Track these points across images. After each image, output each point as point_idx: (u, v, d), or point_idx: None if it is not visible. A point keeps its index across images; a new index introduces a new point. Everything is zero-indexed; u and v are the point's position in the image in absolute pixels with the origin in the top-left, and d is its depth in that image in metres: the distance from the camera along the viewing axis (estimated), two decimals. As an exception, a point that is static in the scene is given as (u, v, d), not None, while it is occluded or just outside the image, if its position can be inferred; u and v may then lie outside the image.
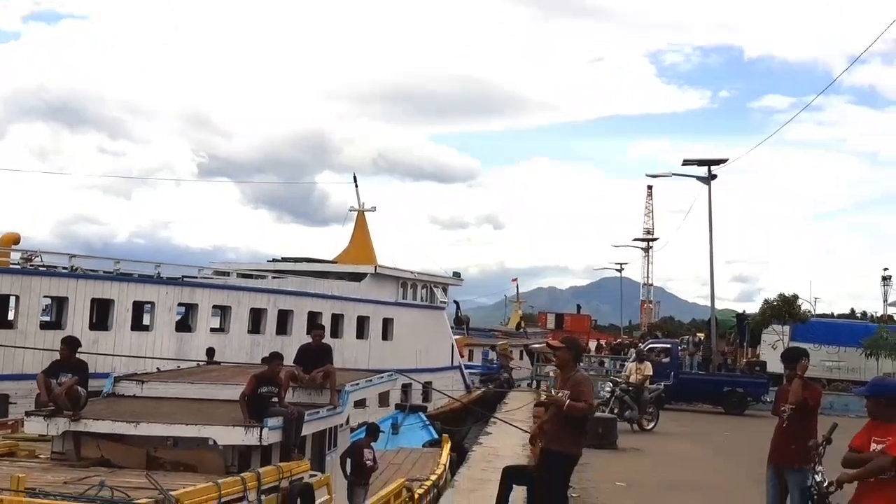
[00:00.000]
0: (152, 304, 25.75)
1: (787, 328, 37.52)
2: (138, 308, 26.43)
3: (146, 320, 26.56)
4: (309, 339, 13.09)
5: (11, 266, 23.22)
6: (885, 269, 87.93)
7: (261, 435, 9.48)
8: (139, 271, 26.66)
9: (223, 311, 28.22)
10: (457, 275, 41.07)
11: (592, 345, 73.14)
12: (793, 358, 9.21)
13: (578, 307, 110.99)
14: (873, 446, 6.67)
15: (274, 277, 30.91)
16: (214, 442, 9.59)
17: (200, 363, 18.79)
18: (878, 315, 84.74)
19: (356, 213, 39.22)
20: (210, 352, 22.34)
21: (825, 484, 7.52)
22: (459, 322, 56.26)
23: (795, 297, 38.20)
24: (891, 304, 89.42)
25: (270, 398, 10.32)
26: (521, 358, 53.43)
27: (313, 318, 29.61)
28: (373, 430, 13.82)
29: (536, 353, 45.76)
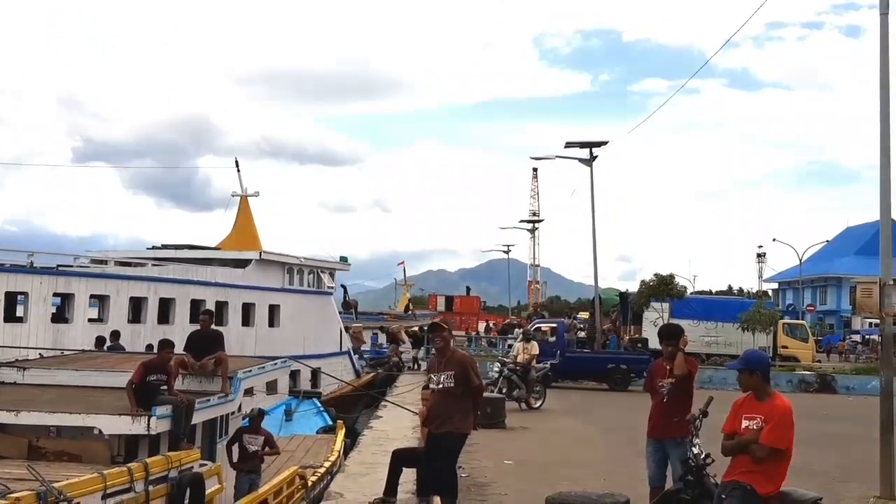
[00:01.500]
0: (26, 294, 24.92)
1: (666, 305, 39.02)
2: (11, 299, 25.44)
3: (20, 312, 25.66)
4: (193, 328, 12.99)
5: None
6: (760, 247, 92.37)
7: (148, 424, 9.41)
8: (11, 260, 25.70)
9: (101, 300, 27.50)
10: (344, 259, 40.97)
11: (482, 326, 74.48)
12: (673, 334, 9.43)
13: (468, 289, 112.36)
14: (745, 423, 6.81)
15: (154, 265, 30.25)
16: (100, 431, 9.47)
17: (93, 350, 18.41)
18: (754, 291, 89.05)
19: (239, 198, 38.66)
20: (115, 334, 21.91)
21: (702, 456, 7.83)
22: (347, 306, 56.17)
23: (672, 276, 39.78)
24: (765, 281, 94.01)
25: (159, 386, 10.28)
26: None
27: (196, 306, 29.11)
28: (254, 417, 13.79)
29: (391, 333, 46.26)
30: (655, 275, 38.89)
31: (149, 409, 9.64)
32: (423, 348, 39.60)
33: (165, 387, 10.41)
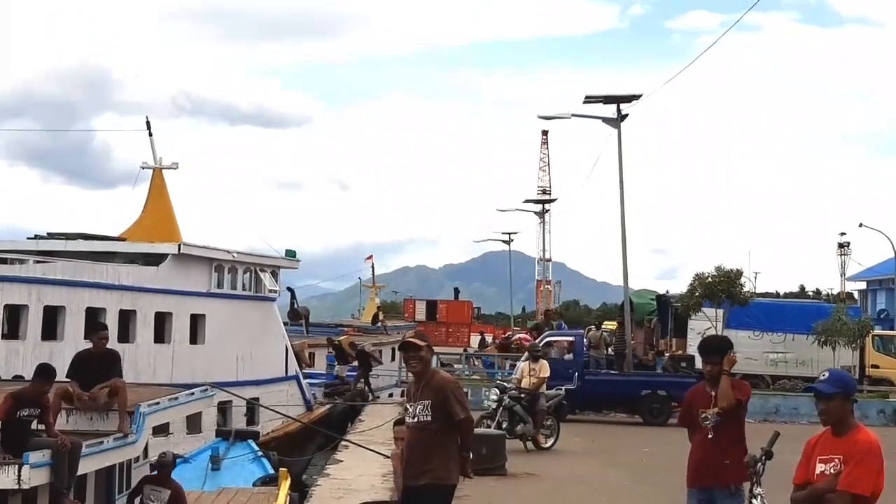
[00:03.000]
0: None
1: (720, 312, 39.03)
2: None
3: None
4: (88, 345, 12.89)
5: None
6: (842, 235, 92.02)
7: (19, 475, 9.29)
8: None
9: (-35, 309, 27.36)
10: (291, 253, 40.82)
11: (475, 339, 74.63)
12: (716, 349, 9.47)
13: (456, 291, 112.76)
14: (820, 468, 6.80)
15: (38, 262, 30.07)
16: None
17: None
18: (835, 293, 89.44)
19: (151, 171, 38.46)
20: None
21: None
22: (296, 316, 56.02)
23: (739, 272, 39.45)
24: (849, 279, 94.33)
25: (30, 423, 10.15)
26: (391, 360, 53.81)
27: (94, 315, 28.94)
28: (163, 465, 13.66)
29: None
30: (718, 269, 38.47)
31: (20, 455, 9.50)
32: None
33: (42, 425, 10.27)
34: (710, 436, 9.02)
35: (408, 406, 9.62)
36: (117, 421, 11.73)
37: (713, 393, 9.13)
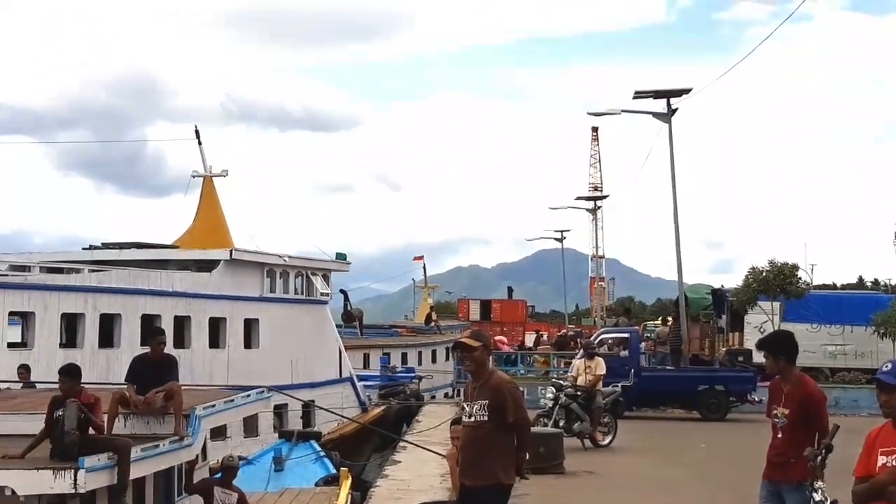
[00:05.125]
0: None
1: (776, 305, 38.61)
2: None
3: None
4: (145, 351, 12.99)
5: None
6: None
7: (75, 479, 9.37)
8: None
9: (25, 318, 27.64)
10: (341, 256, 40.95)
11: (530, 338, 74.39)
12: (768, 344, 9.55)
13: (510, 290, 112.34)
14: (882, 460, 6.75)
15: (93, 271, 30.38)
16: (13, 492, 9.46)
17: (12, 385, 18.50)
18: (893, 283, 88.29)
19: (202, 178, 38.76)
20: (24, 369, 22.17)
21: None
22: (350, 318, 56.19)
23: (795, 266, 38.92)
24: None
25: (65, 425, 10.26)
26: (433, 361, 53.83)
27: (149, 322, 29.19)
28: (230, 468, 13.86)
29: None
30: (771, 263, 38.02)
31: (66, 458, 9.59)
32: None
33: (92, 429, 10.34)
34: (779, 434, 9.21)
35: (465, 405, 9.62)
36: (173, 424, 11.79)
37: (785, 390, 9.25)
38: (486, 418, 9.14)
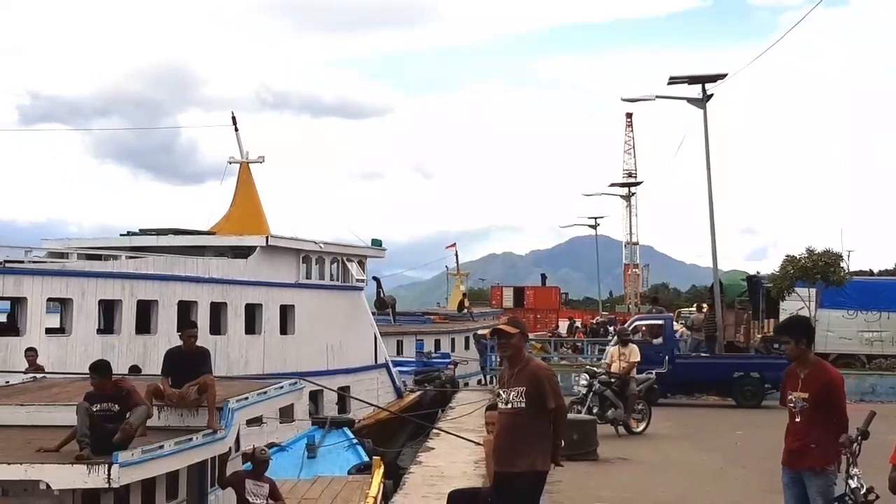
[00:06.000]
0: (-36, 300, 25.33)
1: (813, 292, 38.21)
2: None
3: (-44, 322, 26.05)
4: (181, 339, 12.98)
5: None
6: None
7: (108, 474, 9.34)
8: (-56, 255, 26.08)
9: (63, 304, 27.76)
10: (377, 243, 40.93)
11: (563, 325, 74.29)
12: (786, 328, 9.54)
13: (543, 277, 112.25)
14: None
15: (130, 257, 30.47)
16: (47, 486, 9.44)
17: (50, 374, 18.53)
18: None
19: (238, 165, 38.79)
20: (31, 352, 22.03)
21: (863, 491, 7.68)
22: (383, 305, 56.29)
23: (839, 255, 38.20)
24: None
25: (108, 418, 10.23)
26: (466, 348, 53.77)
27: (186, 309, 29.27)
28: (261, 461, 13.95)
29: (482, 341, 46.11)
30: (808, 250, 37.51)
31: (102, 452, 9.55)
32: None
33: (125, 418, 10.31)
34: (797, 419, 9.17)
35: (501, 392, 9.67)
36: (207, 417, 11.80)
37: (802, 375, 9.21)
38: (523, 405, 9.21)
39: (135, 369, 23.59)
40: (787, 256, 37.73)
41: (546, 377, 9.37)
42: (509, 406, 9.30)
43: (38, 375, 17.91)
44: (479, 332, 49.89)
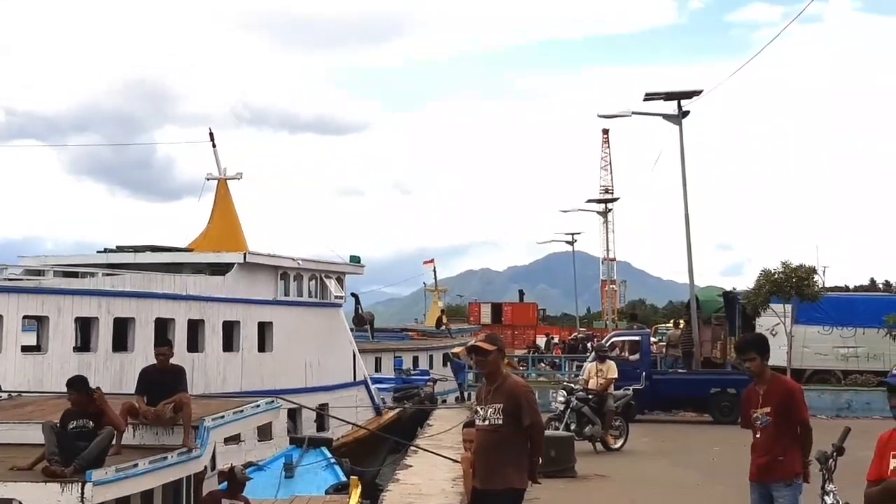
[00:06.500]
0: (-62, 318, 25.10)
1: (789, 308, 38.30)
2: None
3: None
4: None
5: None
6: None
7: (82, 492, 9.29)
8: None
9: (39, 322, 27.60)
10: (355, 259, 40.88)
11: (541, 341, 74.38)
12: (750, 345, 9.57)
13: (521, 293, 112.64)
14: (893, 464, 6.79)
15: (107, 274, 30.34)
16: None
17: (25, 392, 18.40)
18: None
19: (216, 181, 38.70)
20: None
21: None
22: (361, 321, 56.19)
23: (812, 269, 38.34)
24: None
25: (83, 435, 10.20)
26: (444, 365, 53.69)
27: (163, 326, 29.14)
28: (236, 481, 13.88)
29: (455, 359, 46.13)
30: (784, 264, 37.63)
31: (78, 472, 9.52)
32: None
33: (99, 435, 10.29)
34: (758, 435, 9.29)
35: (478, 408, 9.67)
36: (182, 435, 11.75)
37: (761, 391, 9.32)
38: (500, 422, 9.20)
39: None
40: (763, 270, 37.80)
41: (523, 394, 9.34)
42: (487, 423, 9.29)
43: (13, 393, 17.77)
44: (452, 350, 49.85)
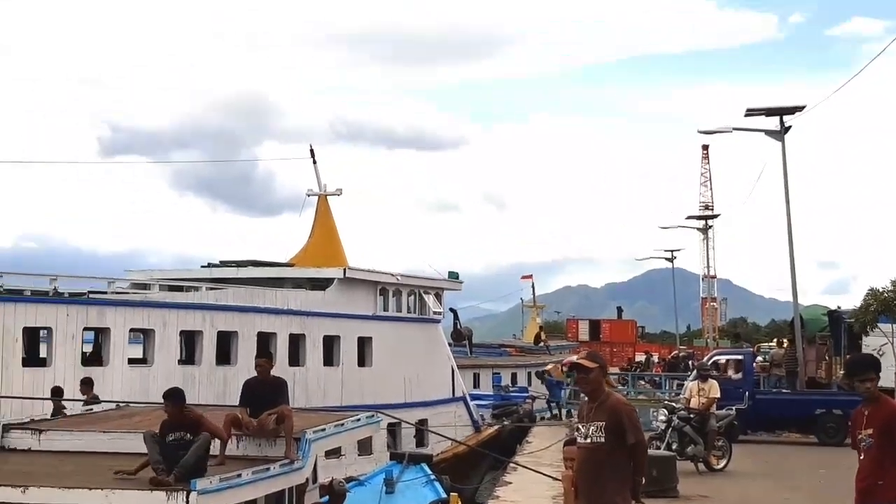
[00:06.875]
0: (49, 330, 25.61)
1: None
2: (32, 336, 26.09)
3: (43, 352, 26.29)
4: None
5: None
6: None
7: (187, 501, 9.36)
8: (30, 287, 26.41)
9: (145, 335, 28.03)
10: (454, 275, 40.85)
11: (640, 359, 73.58)
12: (869, 366, 9.29)
13: (619, 310, 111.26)
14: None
15: (210, 289, 30.71)
16: None
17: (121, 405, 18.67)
18: None
19: (316, 197, 39.02)
20: (86, 383, 21.97)
21: None
22: (459, 337, 56.14)
23: None
24: None
25: (181, 447, 10.31)
26: (529, 382, 53.40)
27: (265, 340, 29.40)
28: (338, 494, 13.88)
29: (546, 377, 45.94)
30: (893, 282, 36.64)
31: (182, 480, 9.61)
32: None
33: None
34: (861, 457, 9.00)
35: (580, 426, 9.53)
36: (284, 447, 11.80)
37: (866, 412, 9.04)
38: (602, 440, 9.10)
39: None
40: (870, 290, 36.84)
41: (626, 412, 9.24)
42: (588, 441, 9.20)
43: (121, 403, 18.09)
44: (545, 368, 49.59)
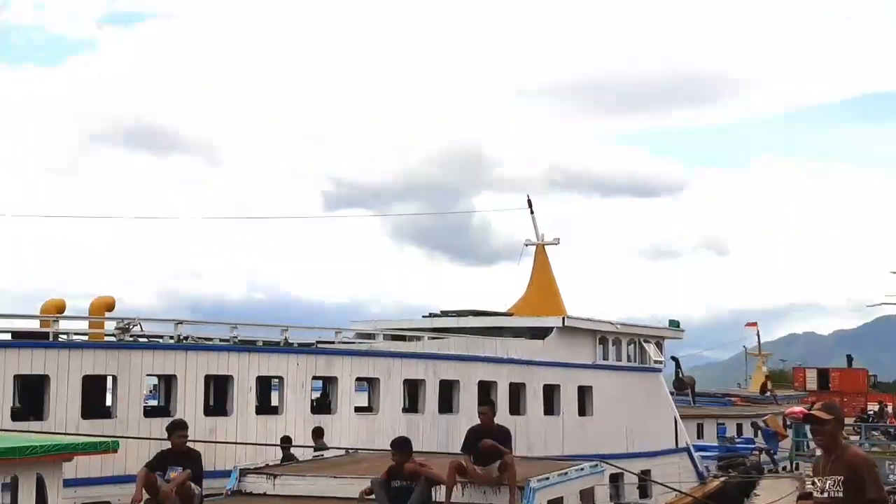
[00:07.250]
0: (281, 378, 26.36)
1: None
2: (264, 385, 26.92)
3: (274, 400, 27.11)
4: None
5: (106, 339, 24.15)
6: None
7: None
8: (262, 337, 27.29)
9: (370, 384, 28.48)
10: (675, 324, 40.10)
11: (872, 409, 70.19)
12: None
13: (849, 358, 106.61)
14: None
15: (432, 338, 31.06)
16: None
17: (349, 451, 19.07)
18: None
19: (534, 247, 39.11)
20: (318, 432, 23.11)
21: None
22: (682, 385, 55.03)
23: None
24: None
25: (403, 494, 10.45)
26: (755, 434, 51.68)
27: (486, 389, 29.49)
28: None
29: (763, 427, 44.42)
30: None
31: None
32: None
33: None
34: None
35: (816, 480, 9.24)
36: (508, 496, 11.79)
37: None
38: (840, 495, 8.81)
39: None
40: None
41: (866, 466, 8.94)
42: (826, 496, 8.91)
43: (350, 450, 18.46)
44: (763, 419, 47.97)
